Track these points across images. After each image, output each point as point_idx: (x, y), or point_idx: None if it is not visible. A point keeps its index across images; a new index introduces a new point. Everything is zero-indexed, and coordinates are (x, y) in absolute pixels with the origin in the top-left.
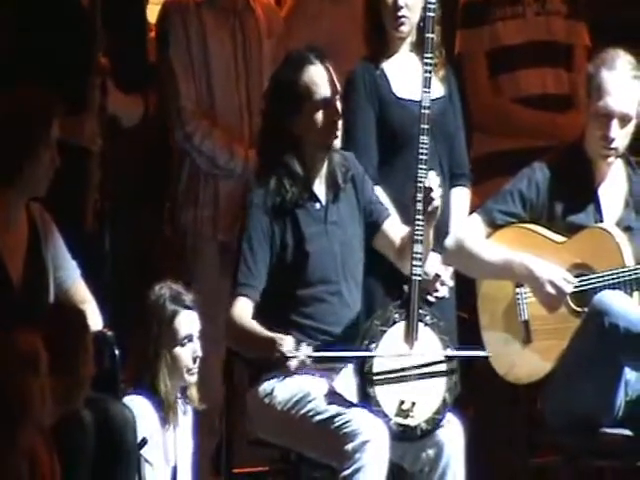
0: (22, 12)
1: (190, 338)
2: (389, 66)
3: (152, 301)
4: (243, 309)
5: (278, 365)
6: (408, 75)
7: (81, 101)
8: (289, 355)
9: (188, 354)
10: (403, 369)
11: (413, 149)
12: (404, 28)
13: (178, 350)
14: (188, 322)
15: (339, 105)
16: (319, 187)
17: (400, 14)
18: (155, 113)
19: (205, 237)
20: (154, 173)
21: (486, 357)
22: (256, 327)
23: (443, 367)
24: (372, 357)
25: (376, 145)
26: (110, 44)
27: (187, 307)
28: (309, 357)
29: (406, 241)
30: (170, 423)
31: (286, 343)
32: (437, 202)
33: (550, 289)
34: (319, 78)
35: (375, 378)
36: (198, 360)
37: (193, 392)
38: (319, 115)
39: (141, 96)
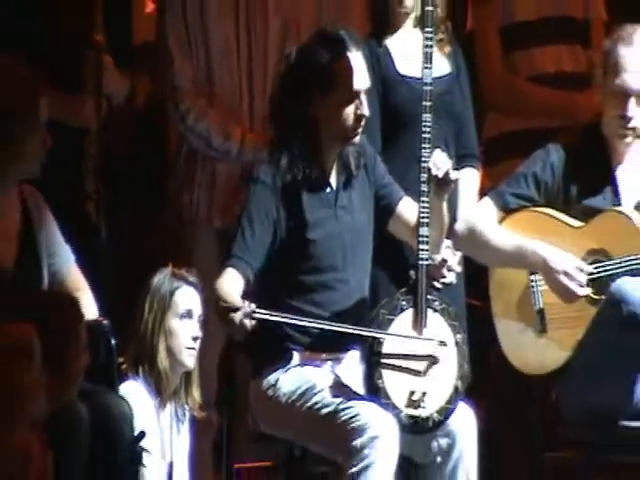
0: None
1: (190, 314)
2: (393, 43)
3: (153, 280)
4: (227, 281)
5: (224, 320)
6: (412, 52)
7: (78, 79)
8: (231, 308)
9: (187, 330)
10: (412, 356)
11: (418, 129)
12: (408, 3)
13: (177, 323)
14: (188, 297)
15: (365, 99)
16: (331, 171)
17: None
18: (152, 92)
19: (201, 223)
20: (149, 156)
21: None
22: (226, 290)
23: (454, 355)
24: (381, 342)
25: (380, 125)
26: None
27: (189, 284)
28: (253, 312)
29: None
30: (166, 409)
31: (230, 297)
32: (454, 175)
33: (565, 280)
34: (356, 68)
35: (382, 366)
36: (198, 342)
37: (195, 393)
38: (346, 107)
39: (127, 73)
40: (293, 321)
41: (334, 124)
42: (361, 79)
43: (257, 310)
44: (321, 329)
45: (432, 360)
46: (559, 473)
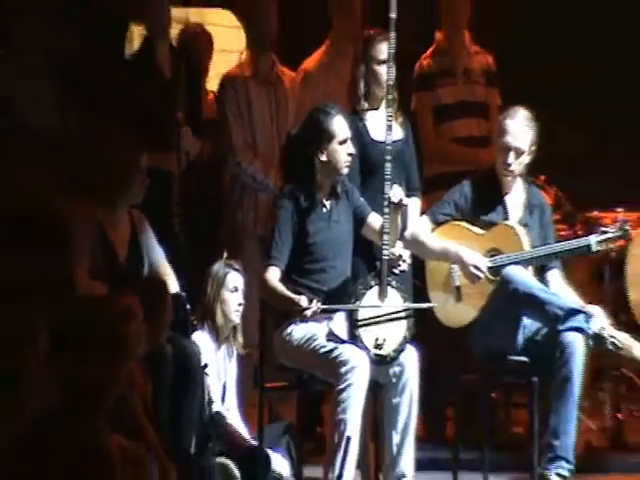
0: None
1: (236, 289)
2: (369, 117)
3: (213, 267)
4: (272, 274)
5: (297, 315)
6: (382, 123)
7: (167, 142)
8: (304, 308)
9: (235, 299)
10: (377, 316)
11: (382, 173)
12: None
13: (228, 295)
14: (235, 278)
15: (352, 144)
16: (326, 197)
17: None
18: (211, 152)
19: (248, 232)
20: (212, 190)
21: (430, 308)
22: (281, 288)
23: (403, 314)
24: (357, 309)
25: (359, 172)
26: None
27: (235, 270)
28: (319, 308)
29: None
30: (221, 349)
31: (302, 301)
32: (405, 200)
33: (473, 270)
34: (344, 125)
35: (359, 323)
36: (242, 307)
37: (239, 338)
38: (341, 149)
39: (198, 138)
40: (334, 307)
41: (333, 162)
42: (347, 131)
43: (320, 307)
44: (324, 300)
45: (390, 319)
46: (470, 390)
